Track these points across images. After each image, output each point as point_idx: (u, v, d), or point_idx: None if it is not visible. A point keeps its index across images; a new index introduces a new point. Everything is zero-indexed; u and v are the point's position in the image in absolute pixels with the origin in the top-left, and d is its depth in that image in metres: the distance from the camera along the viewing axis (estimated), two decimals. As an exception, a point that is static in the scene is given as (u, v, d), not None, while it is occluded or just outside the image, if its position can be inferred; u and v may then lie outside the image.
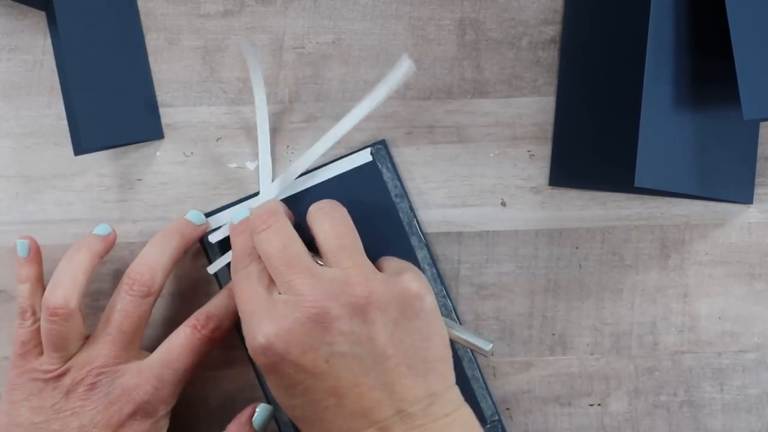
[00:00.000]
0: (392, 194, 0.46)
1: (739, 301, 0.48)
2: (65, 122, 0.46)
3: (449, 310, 0.46)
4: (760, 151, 0.46)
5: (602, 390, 0.48)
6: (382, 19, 0.47)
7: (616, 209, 0.47)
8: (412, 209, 0.46)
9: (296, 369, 0.37)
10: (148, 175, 0.47)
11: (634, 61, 0.40)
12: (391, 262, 0.41)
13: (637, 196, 0.47)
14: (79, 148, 0.43)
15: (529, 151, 0.47)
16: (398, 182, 0.46)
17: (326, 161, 0.46)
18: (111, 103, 0.44)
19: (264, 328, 0.37)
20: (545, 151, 0.47)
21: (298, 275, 0.38)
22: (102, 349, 0.41)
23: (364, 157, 0.46)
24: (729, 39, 0.38)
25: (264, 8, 0.47)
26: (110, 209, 0.47)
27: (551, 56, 0.47)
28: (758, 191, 0.47)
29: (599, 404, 0.48)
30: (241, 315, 0.39)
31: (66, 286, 0.41)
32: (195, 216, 0.45)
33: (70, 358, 0.41)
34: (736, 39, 0.37)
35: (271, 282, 0.39)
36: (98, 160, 0.47)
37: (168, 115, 0.47)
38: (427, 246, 0.46)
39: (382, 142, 0.46)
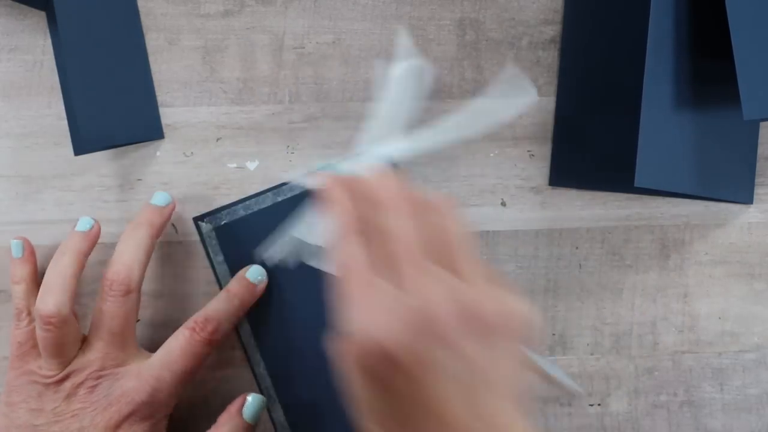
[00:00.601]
0: None
1: (739, 301, 0.48)
2: (65, 122, 0.46)
3: None
4: (760, 151, 0.46)
5: (602, 390, 0.48)
6: (382, 19, 0.47)
7: (616, 209, 0.47)
8: None
9: (406, 379, 0.29)
10: (148, 175, 0.47)
11: (634, 61, 0.40)
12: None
13: (637, 196, 0.47)
14: (79, 148, 0.43)
15: (529, 151, 0.47)
16: None
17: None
18: (111, 103, 0.44)
19: (375, 322, 0.29)
20: (545, 151, 0.47)
21: (423, 271, 0.31)
22: (98, 353, 0.41)
23: None
24: (729, 39, 0.38)
25: (264, 8, 0.47)
26: (110, 209, 0.47)
27: (551, 56, 0.47)
28: (758, 191, 0.47)
29: (599, 404, 0.48)
30: (345, 300, 0.31)
31: (56, 293, 0.40)
32: (160, 198, 0.44)
33: (69, 363, 0.41)
34: (736, 39, 0.37)
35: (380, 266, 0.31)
36: (98, 160, 0.47)
37: (168, 115, 0.47)
38: None
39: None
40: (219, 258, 0.45)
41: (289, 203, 0.45)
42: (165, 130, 0.47)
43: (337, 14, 0.47)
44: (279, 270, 0.45)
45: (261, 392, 0.46)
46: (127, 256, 0.42)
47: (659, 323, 0.48)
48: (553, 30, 0.47)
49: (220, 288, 0.46)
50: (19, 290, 0.43)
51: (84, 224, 0.43)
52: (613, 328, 0.48)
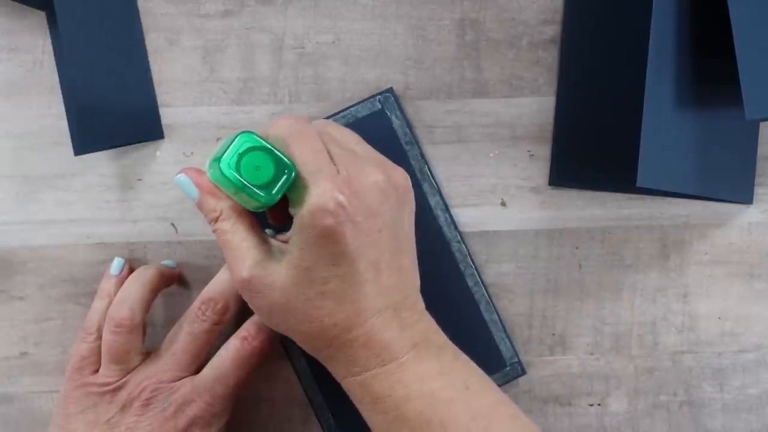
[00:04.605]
0: (402, 141, 0.46)
1: (739, 301, 0.48)
2: (65, 122, 0.46)
3: (464, 254, 0.46)
4: (760, 151, 0.46)
5: (602, 390, 0.48)
6: (382, 19, 0.47)
7: (616, 209, 0.47)
8: (422, 156, 0.46)
9: (354, 234, 0.36)
10: (148, 175, 0.47)
11: (635, 61, 0.40)
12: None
13: (637, 196, 0.47)
14: (79, 148, 0.43)
15: (529, 151, 0.47)
16: (408, 129, 0.46)
17: (335, 111, 0.46)
18: (111, 103, 0.44)
19: (337, 188, 0.35)
20: (545, 151, 0.47)
21: (358, 157, 0.38)
22: (162, 367, 0.41)
23: (373, 105, 0.46)
24: (731, 38, 0.38)
25: (264, 8, 0.47)
26: (110, 209, 0.47)
27: (551, 56, 0.47)
28: (758, 191, 0.47)
29: (599, 404, 0.48)
30: (304, 174, 0.36)
31: (134, 300, 0.42)
32: (270, 234, 0.44)
33: (128, 373, 0.42)
34: (739, 39, 0.37)
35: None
36: (98, 160, 0.46)
37: (168, 115, 0.47)
38: (440, 192, 0.46)
39: (390, 90, 0.46)
40: None
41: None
42: (165, 130, 0.47)
43: (337, 14, 0.47)
44: None
45: (303, 388, 0.46)
46: (228, 286, 0.42)
47: (659, 323, 0.48)
48: (553, 30, 0.47)
49: None
50: (100, 305, 0.43)
51: (170, 262, 0.46)
52: (613, 328, 0.48)
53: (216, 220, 0.38)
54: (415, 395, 0.36)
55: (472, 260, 0.46)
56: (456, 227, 0.46)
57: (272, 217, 0.41)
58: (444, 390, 0.37)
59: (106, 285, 0.44)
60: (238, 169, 0.36)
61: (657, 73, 0.40)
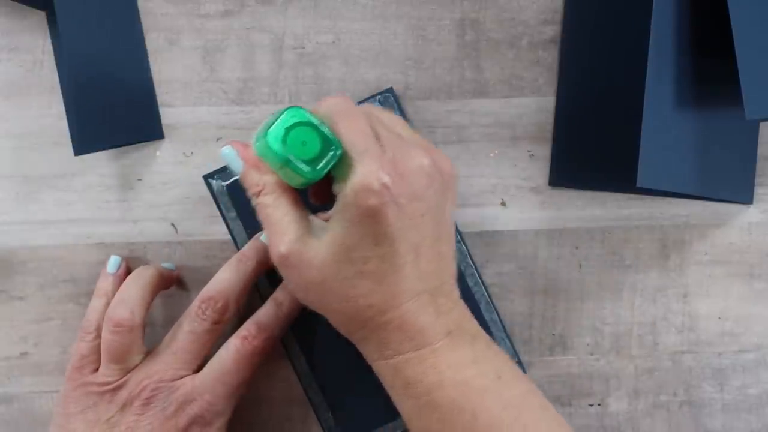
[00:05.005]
0: None
1: (739, 301, 0.48)
2: (65, 122, 0.46)
3: (464, 254, 0.46)
4: (760, 151, 0.46)
5: (602, 390, 0.48)
6: (382, 19, 0.47)
7: (616, 209, 0.48)
8: None
9: (398, 215, 0.35)
10: (148, 175, 0.47)
11: (635, 61, 0.40)
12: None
13: (637, 196, 0.47)
14: (79, 148, 0.43)
15: (529, 151, 0.47)
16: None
17: None
18: (111, 104, 0.44)
19: (382, 168, 0.35)
20: (545, 151, 0.47)
21: (404, 140, 0.38)
22: (162, 366, 0.41)
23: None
24: (731, 38, 0.38)
25: (264, 8, 0.47)
26: (110, 209, 0.47)
27: (551, 56, 0.47)
28: (758, 191, 0.47)
29: (599, 404, 0.48)
30: (350, 152, 0.36)
31: (133, 300, 0.42)
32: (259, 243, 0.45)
33: (128, 372, 0.42)
34: (739, 39, 0.37)
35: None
36: (98, 160, 0.47)
37: (168, 115, 0.47)
38: None
39: (390, 90, 0.46)
40: (232, 214, 0.45)
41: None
42: (165, 130, 0.47)
43: (337, 14, 0.47)
44: None
45: (303, 388, 0.46)
46: (228, 285, 0.42)
47: (659, 323, 0.48)
48: (553, 30, 0.47)
49: (237, 248, 0.46)
50: (98, 304, 0.43)
51: (169, 265, 0.46)
52: (613, 328, 0.48)
53: (258, 194, 0.38)
54: (448, 382, 0.36)
55: (472, 260, 0.46)
56: (456, 227, 0.46)
57: (313, 195, 0.41)
58: (477, 378, 0.37)
59: (104, 283, 0.44)
60: (284, 143, 0.36)
61: (657, 73, 0.40)
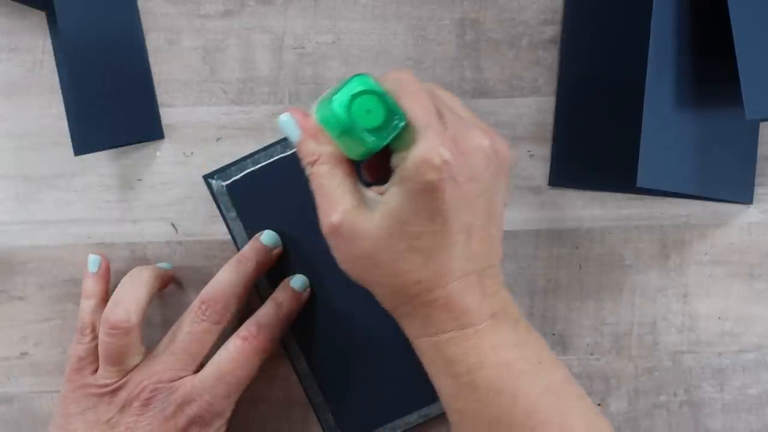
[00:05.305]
0: None
1: (739, 301, 0.48)
2: (65, 122, 0.46)
3: None
4: (760, 151, 0.46)
5: (602, 390, 0.48)
6: (382, 19, 0.47)
7: (616, 209, 0.47)
8: None
9: (454, 193, 0.35)
10: (148, 175, 0.47)
11: (635, 61, 0.40)
12: None
13: (637, 196, 0.47)
14: (79, 148, 0.43)
15: (529, 151, 0.47)
16: None
17: None
18: (111, 103, 0.44)
19: (444, 144, 0.35)
20: (545, 151, 0.47)
21: (465, 120, 0.37)
22: (161, 366, 0.41)
23: None
24: (731, 38, 0.38)
25: (264, 8, 0.47)
26: (110, 209, 0.47)
27: (551, 56, 0.47)
28: (758, 191, 0.47)
29: (599, 404, 0.48)
30: (413, 126, 0.35)
31: (129, 301, 0.41)
32: (269, 238, 0.45)
33: (127, 373, 0.41)
34: (739, 39, 0.37)
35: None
36: (98, 160, 0.47)
37: (168, 115, 0.47)
38: None
39: None
40: (232, 214, 0.45)
41: (297, 156, 0.45)
42: (165, 130, 0.47)
43: (337, 14, 0.47)
44: (314, 264, 0.46)
45: (303, 388, 0.46)
46: (228, 286, 0.42)
47: (659, 323, 0.48)
48: (553, 30, 0.47)
49: (237, 248, 0.46)
50: (88, 305, 0.43)
51: (165, 264, 0.46)
52: (613, 328, 0.48)
53: (314, 163, 0.37)
54: (490, 364, 0.36)
55: None
56: None
57: (367, 170, 0.40)
58: (518, 362, 0.37)
59: (87, 284, 0.44)
60: (349, 110, 0.36)
61: (657, 73, 0.40)
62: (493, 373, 0.36)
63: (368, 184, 0.39)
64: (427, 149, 0.34)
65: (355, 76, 0.36)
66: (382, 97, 0.36)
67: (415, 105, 0.36)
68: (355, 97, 0.36)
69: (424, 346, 0.37)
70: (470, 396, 0.36)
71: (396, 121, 0.35)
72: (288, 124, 0.38)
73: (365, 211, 0.36)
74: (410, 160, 0.35)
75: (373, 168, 0.40)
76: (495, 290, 0.37)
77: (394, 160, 0.36)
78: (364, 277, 0.38)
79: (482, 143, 0.36)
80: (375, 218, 0.36)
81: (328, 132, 0.37)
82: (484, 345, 0.36)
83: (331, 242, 0.37)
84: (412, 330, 0.38)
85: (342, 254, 0.37)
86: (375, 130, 0.36)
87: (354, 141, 0.36)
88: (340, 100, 0.36)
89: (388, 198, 0.36)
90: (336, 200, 0.36)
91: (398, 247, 0.36)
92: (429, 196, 0.35)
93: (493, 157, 0.36)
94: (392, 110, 0.36)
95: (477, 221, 0.36)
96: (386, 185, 0.36)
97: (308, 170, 0.37)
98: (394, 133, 0.36)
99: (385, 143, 0.36)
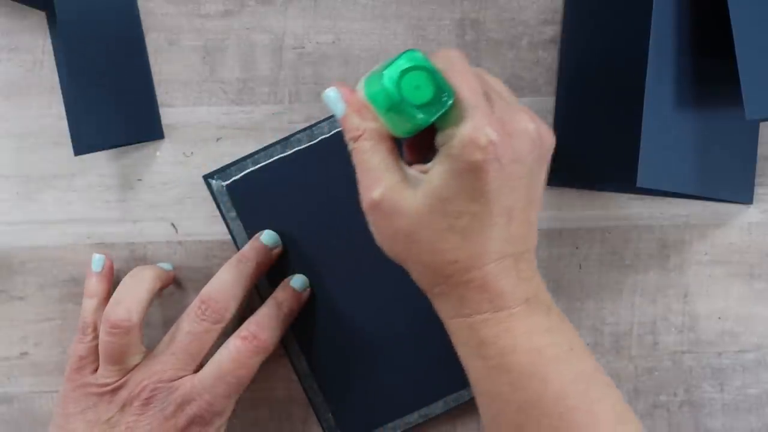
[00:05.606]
0: None
1: (739, 301, 0.48)
2: (65, 122, 0.46)
3: None
4: (760, 151, 0.46)
5: (602, 390, 0.48)
6: (382, 19, 0.47)
7: (616, 209, 0.47)
8: None
9: (498, 174, 0.35)
10: (148, 175, 0.47)
11: (635, 61, 0.40)
12: None
13: (638, 196, 0.47)
14: (79, 148, 0.43)
15: (529, 151, 0.47)
16: None
17: None
18: (111, 103, 0.44)
19: (491, 125, 0.35)
20: (545, 151, 0.47)
21: (512, 105, 0.38)
22: (161, 366, 0.41)
23: None
24: (731, 38, 0.38)
25: (264, 8, 0.47)
26: (110, 209, 0.47)
27: (551, 56, 0.47)
28: (758, 191, 0.47)
29: (599, 404, 0.48)
30: (463, 101, 0.35)
31: (130, 301, 0.41)
32: (269, 238, 0.45)
33: (127, 372, 0.41)
34: (739, 39, 0.37)
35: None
36: (98, 160, 0.47)
37: (168, 115, 0.47)
38: None
39: None
40: (232, 214, 0.46)
41: (297, 156, 0.45)
42: (165, 130, 0.47)
43: (337, 14, 0.47)
44: (314, 263, 0.46)
45: (303, 388, 0.46)
46: (229, 286, 0.42)
47: (659, 323, 0.48)
48: (553, 30, 0.47)
49: (237, 248, 0.46)
50: (90, 304, 0.43)
51: (166, 265, 0.46)
52: (613, 328, 0.48)
53: (357, 139, 0.37)
54: (522, 348, 0.36)
55: None
56: None
57: (409, 149, 0.40)
58: (550, 347, 0.37)
59: (90, 283, 0.44)
60: (398, 84, 0.36)
61: (657, 73, 0.40)
62: (525, 358, 0.36)
63: (408, 164, 0.39)
64: (474, 129, 0.34)
65: (405, 51, 0.36)
66: (432, 73, 0.36)
67: (464, 84, 0.36)
68: (405, 72, 0.36)
69: (457, 326, 0.37)
70: (501, 378, 0.36)
71: (444, 98, 0.35)
72: (333, 98, 0.38)
73: (407, 188, 0.36)
74: (457, 138, 0.35)
75: (414, 147, 0.40)
76: (530, 275, 0.37)
77: (439, 138, 0.36)
78: (401, 254, 0.38)
79: (528, 127, 0.36)
80: (417, 195, 0.36)
81: (375, 108, 0.37)
82: (517, 329, 0.36)
83: (371, 218, 0.37)
84: (445, 310, 0.38)
85: (381, 230, 0.37)
86: (423, 106, 0.35)
87: (401, 117, 0.36)
88: (390, 75, 0.35)
89: (432, 176, 0.36)
90: (378, 176, 0.36)
91: (438, 226, 0.36)
92: (473, 176, 0.35)
93: (537, 141, 0.36)
94: (441, 87, 0.35)
95: (518, 204, 0.36)
96: (430, 163, 0.36)
97: (351, 145, 0.37)
98: (443, 110, 0.35)
99: (432, 119, 0.36)
